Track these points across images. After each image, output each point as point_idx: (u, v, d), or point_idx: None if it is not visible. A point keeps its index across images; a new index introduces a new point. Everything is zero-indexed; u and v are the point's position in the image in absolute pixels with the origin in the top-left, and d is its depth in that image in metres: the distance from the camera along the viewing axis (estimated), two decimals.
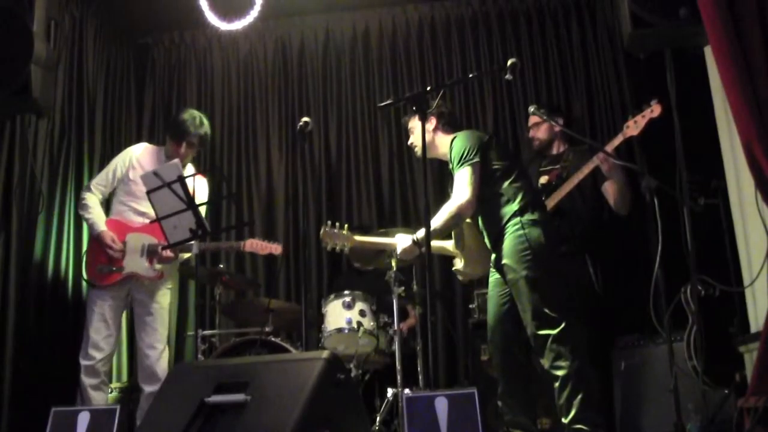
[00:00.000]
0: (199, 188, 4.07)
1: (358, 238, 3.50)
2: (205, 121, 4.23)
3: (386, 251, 3.91)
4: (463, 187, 3.18)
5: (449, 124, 3.47)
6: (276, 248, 4.21)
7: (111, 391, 4.40)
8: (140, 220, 4.04)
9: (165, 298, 4.16)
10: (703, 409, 3.16)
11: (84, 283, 4.15)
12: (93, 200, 4.06)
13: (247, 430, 2.25)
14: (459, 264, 3.49)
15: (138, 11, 5.31)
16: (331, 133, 5.46)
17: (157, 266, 4.01)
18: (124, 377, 4.81)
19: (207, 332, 4.37)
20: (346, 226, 3.49)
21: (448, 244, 3.49)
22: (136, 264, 3.99)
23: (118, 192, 4.13)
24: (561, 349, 3.00)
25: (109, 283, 3.97)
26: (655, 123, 3.71)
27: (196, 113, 4.23)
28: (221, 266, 4.56)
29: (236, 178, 5.43)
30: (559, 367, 3.00)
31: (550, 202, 3.88)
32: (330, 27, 5.62)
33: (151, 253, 3.98)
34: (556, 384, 3.02)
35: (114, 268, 3.96)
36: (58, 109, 4.56)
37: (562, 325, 3.03)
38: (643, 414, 3.79)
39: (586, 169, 3.82)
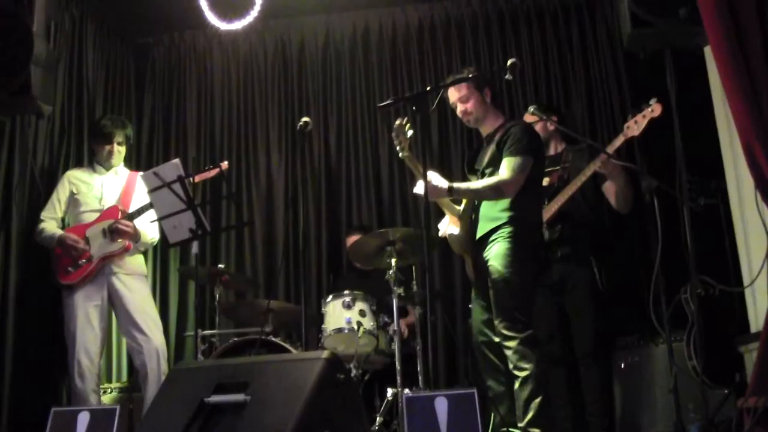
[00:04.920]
0: (141, 187, 4.13)
1: (412, 157, 3.34)
2: (126, 122, 4.48)
3: (386, 251, 3.92)
4: (514, 170, 3.19)
5: (498, 100, 3.53)
6: (222, 165, 4.05)
7: (111, 391, 4.41)
8: (97, 216, 4.14)
9: (144, 286, 4.27)
10: (703, 409, 3.16)
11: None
12: (46, 225, 4.12)
13: (247, 430, 2.25)
14: (454, 230, 3.46)
15: (138, 11, 5.30)
16: (331, 133, 5.46)
17: (119, 241, 4.07)
18: (124, 377, 4.81)
19: (207, 332, 4.36)
20: (411, 133, 3.28)
21: (457, 206, 3.47)
22: (102, 248, 4.05)
23: (70, 211, 4.22)
24: (527, 352, 3.06)
25: (84, 275, 4.00)
26: (655, 123, 3.71)
27: (114, 116, 4.54)
28: (221, 266, 4.56)
29: (236, 178, 5.43)
30: (522, 368, 3.05)
31: (554, 205, 3.88)
32: (330, 27, 5.61)
33: (112, 231, 4.06)
34: (516, 384, 3.07)
35: (83, 261, 4.02)
36: (58, 109, 4.56)
37: (530, 331, 3.09)
38: (643, 414, 3.79)
39: (588, 172, 3.82)
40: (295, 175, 5.39)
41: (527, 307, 3.18)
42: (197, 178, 3.96)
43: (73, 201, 4.21)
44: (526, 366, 3.04)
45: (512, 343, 3.08)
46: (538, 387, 3.03)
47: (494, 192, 3.23)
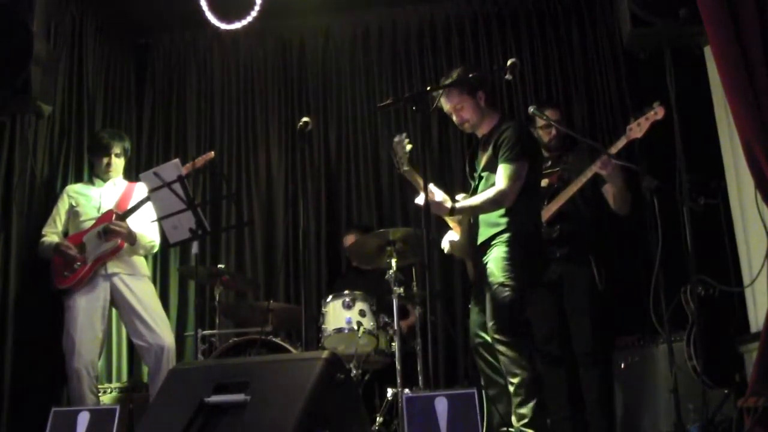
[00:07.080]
0: (138, 194, 4.19)
1: (412, 170, 3.38)
2: (124, 135, 4.52)
3: (386, 251, 3.92)
4: (511, 178, 3.18)
5: (492, 100, 3.46)
6: (207, 155, 4.20)
7: (111, 391, 4.40)
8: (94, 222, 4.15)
9: (148, 285, 4.28)
10: (703, 409, 3.16)
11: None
12: (46, 238, 4.14)
13: (247, 430, 2.25)
14: (454, 236, 3.48)
15: (138, 11, 5.30)
16: (331, 133, 5.46)
17: (112, 240, 4.08)
18: (124, 377, 4.81)
19: (207, 332, 4.37)
20: (411, 147, 3.34)
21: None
22: (97, 249, 4.06)
23: (71, 223, 4.23)
24: (518, 357, 3.06)
25: (79, 278, 4.01)
26: (655, 123, 3.71)
27: (112, 129, 4.63)
28: (221, 266, 4.56)
29: (236, 178, 5.43)
30: (515, 374, 3.06)
31: (553, 206, 3.89)
32: (330, 27, 5.61)
33: (105, 233, 4.06)
34: (511, 389, 3.08)
35: (77, 265, 4.02)
36: (58, 109, 4.55)
37: (521, 335, 3.11)
38: (643, 414, 3.79)
39: (589, 173, 3.82)
40: (295, 175, 5.39)
41: (521, 311, 3.17)
42: (184, 170, 3.98)
43: (73, 213, 4.22)
44: (518, 372, 3.05)
45: (503, 348, 3.09)
46: (530, 392, 3.03)
47: (494, 204, 3.23)
